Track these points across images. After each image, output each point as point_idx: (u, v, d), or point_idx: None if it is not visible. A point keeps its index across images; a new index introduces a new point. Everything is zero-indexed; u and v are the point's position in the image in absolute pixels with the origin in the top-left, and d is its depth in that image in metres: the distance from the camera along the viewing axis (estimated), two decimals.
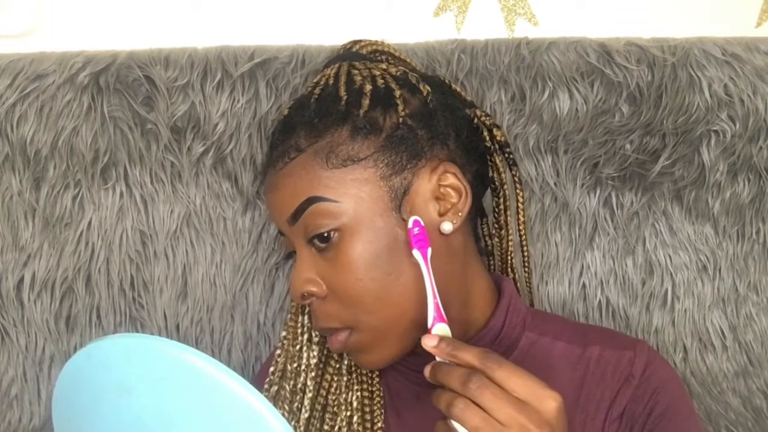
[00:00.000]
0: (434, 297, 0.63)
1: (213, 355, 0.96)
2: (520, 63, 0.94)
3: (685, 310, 0.98)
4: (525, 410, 0.54)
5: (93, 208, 0.94)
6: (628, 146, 0.95)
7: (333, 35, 0.94)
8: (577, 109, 0.94)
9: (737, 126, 0.94)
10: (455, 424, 0.56)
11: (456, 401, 0.55)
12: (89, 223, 0.94)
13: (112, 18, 1.00)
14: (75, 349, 0.93)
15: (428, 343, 0.60)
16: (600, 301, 0.98)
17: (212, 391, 0.51)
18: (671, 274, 0.98)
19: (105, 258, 0.94)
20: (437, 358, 0.60)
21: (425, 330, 0.63)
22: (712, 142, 0.95)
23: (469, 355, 0.58)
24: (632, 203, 0.97)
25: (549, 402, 0.55)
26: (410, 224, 0.66)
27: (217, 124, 0.92)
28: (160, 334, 0.96)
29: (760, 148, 0.95)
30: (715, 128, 0.94)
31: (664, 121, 0.94)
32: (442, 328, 0.62)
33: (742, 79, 0.94)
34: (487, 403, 0.54)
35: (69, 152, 0.92)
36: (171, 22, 1.00)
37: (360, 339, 0.69)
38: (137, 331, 0.96)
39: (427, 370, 0.60)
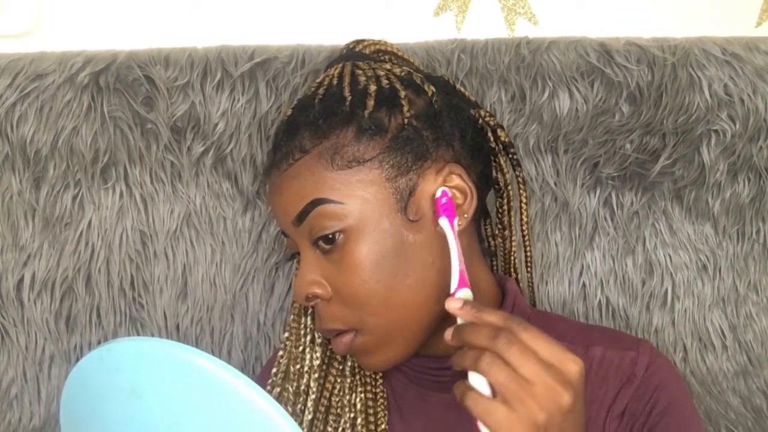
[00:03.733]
0: (460, 263, 0.64)
1: (213, 355, 0.96)
2: (520, 63, 0.94)
3: (685, 310, 0.98)
4: (550, 370, 0.54)
5: (93, 208, 0.94)
6: (628, 146, 0.95)
7: (333, 35, 0.94)
8: (577, 108, 0.94)
9: (737, 126, 0.94)
10: (475, 384, 0.56)
11: (484, 355, 0.55)
12: (89, 223, 0.94)
13: (112, 18, 1.00)
14: (75, 349, 0.94)
15: (453, 305, 0.60)
16: (600, 300, 0.98)
17: (222, 395, 0.51)
18: (671, 273, 0.98)
19: (105, 258, 0.94)
20: (458, 321, 0.60)
21: (430, 332, 0.63)
22: (712, 141, 0.95)
23: (494, 317, 0.58)
24: (632, 203, 0.97)
25: (572, 365, 0.55)
26: (438, 194, 0.67)
27: (217, 124, 0.92)
28: (160, 334, 0.96)
29: (761, 147, 0.95)
30: (715, 128, 0.94)
31: (664, 121, 0.94)
32: (465, 293, 0.63)
33: (742, 78, 0.94)
34: (514, 359, 0.54)
35: (69, 152, 0.92)
36: (171, 22, 1.00)
37: (365, 341, 0.69)
38: (137, 332, 0.96)
39: (448, 333, 0.60)
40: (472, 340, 0.57)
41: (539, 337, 0.56)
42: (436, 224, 0.68)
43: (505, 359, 0.54)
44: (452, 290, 0.63)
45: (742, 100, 0.94)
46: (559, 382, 0.54)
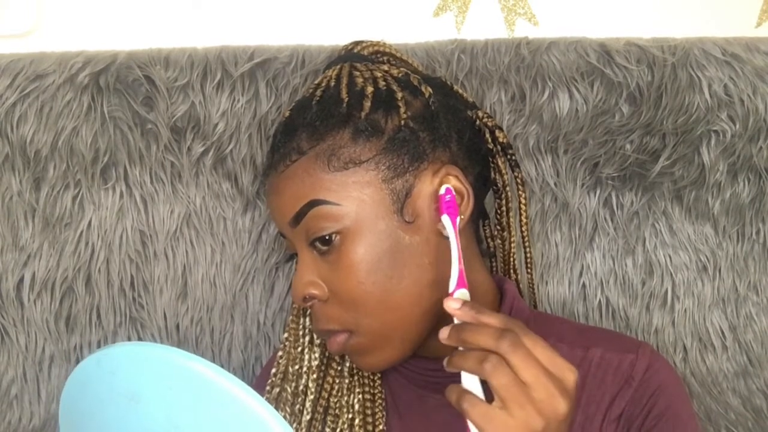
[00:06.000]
0: (459, 263, 0.64)
1: (213, 355, 0.96)
2: (520, 63, 0.94)
3: (685, 310, 0.98)
4: (550, 376, 0.54)
5: (93, 208, 0.94)
6: (628, 146, 0.95)
7: (333, 35, 0.94)
8: (577, 109, 0.94)
9: (737, 126, 0.94)
10: (469, 386, 0.56)
11: (491, 357, 0.54)
12: (89, 223, 0.94)
13: (112, 18, 1.00)
14: (75, 349, 0.94)
15: (451, 305, 0.60)
16: (600, 301, 0.98)
17: (220, 401, 0.51)
18: (671, 274, 0.98)
19: (105, 258, 0.94)
20: (455, 321, 0.60)
21: (427, 333, 0.63)
22: (712, 142, 0.95)
23: (494, 319, 0.57)
24: (632, 203, 0.97)
25: (569, 374, 0.56)
26: (443, 191, 0.67)
27: (217, 124, 0.92)
28: (160, 334, 0.96)
29: (760, 148, 0.95)
30: (715, 128, 0.94)
31: (664, 121, 0.94)
32: (462, 293, 0.63)
33: (742, 79, 0.94)
34: (517, 362, 0.54)
35: (69, 152, 0.92)
36: (171, 22, 1.00)
37: (359, 342, 0.69)
38: (137, 332, 0.96)
39: (444, 332, 0.59)
40: (474, 340, 0.57)
41: (539, 343, 0.56)
42: (437, 222, 0.68)
43: (508, 361, 0.54)
44: (450, 290, 0.63)
45: (742, 101, 0.94)
46: (558, 389, 0.54)
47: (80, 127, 0.92)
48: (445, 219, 0.66)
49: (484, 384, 0.56)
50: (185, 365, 0.52)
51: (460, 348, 0.58)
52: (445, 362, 0.59)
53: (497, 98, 0.94)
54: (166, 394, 0.54)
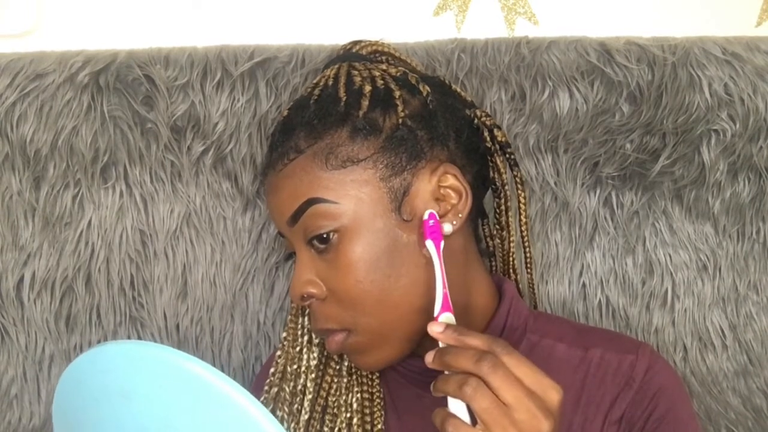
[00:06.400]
0: (444, 287, 0.64)
1: (213, 355, 0.96)
2: (520, 62, 0.94)
3: (685, 310, 0.98)
4: (532, 396, 0.54)
5: (93, 207, 0.94)
6: (628, 146, 0.95)
7: (333, 35, 0.94)
8: (577, 108, 0.94)
9: (737, 125, 0.94)
10: (454, 410, 0.56)
11: (470, 380, 0.54)
12: (89, 223, 0.94)
13: (112, 18, 1.00)
14: (75, 349, 0.94)
15: (435, 329, 0.60)
16: (600, 300, 0.98)
17: (212, 400, 0.51)
18: (671, 273, 0.98)
19: (105, 257, 0.94)
20: (440, 345, 0.60)
21: (424, 333, 0.63)
22: (713, 141, 0.95)
23: (477, 341, 0.57)
24: (632, 203, 0.97)
25: (553, 393, 0.55)
26: (426, 216, 0.67)
27: (217, 124, 0.92)
28: (160, 334, 0.96)
29: (761, 147, 0.95)
30: (715, 127, 0.94)
31: (664, 121, 0.94)
32: (447, 317, 0.63)
33: (742, 78, 0.94)
34: (498, 383, 0.54)
35: (69, 152, 0.92)
36: (171, 22, 1.00)
37: (358, 341, 0.69)
38: (137, 331, 0.96)
39: (429, 356, 0.60)
40: (454, 363, 0.57)
41: (522, 362, 0.56)
42: (422, 247, 0.68)
43: (489, 383, 0.54)
44: (435, 314, 0.63)
45: (742, 100, 0.94)
46: (540, 409, 0.54)
47: (80, 126, 0.92)
48: (429, 244, 0.66)
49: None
50: (178, 364, 0.52)
51: (446, 372, 0.59)
52: (431, 387, 0.59)
53: (497, 97, 0.94)
54: (159, 392, 0.54)
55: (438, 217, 0.67)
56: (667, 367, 0.74)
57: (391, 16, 1.02)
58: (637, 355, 0.72)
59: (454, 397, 0.56)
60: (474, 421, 0.55)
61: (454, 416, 0.56)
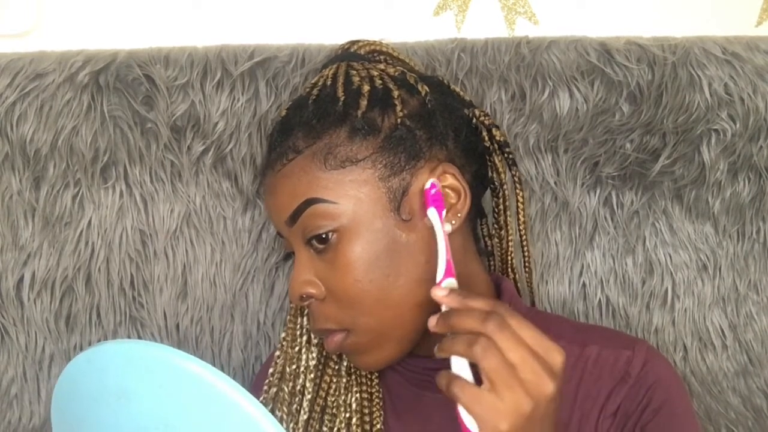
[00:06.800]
0: (447, 253, 0.64)
1: (213, 355, 0.96)
2: (520, 62, 0.94)
3: (685, 310, 0.98)
4: (536, 357, 0.55)
5: (93, 207, 0.94)
6: (628, 145, 0.95)
7: (333, 35, 0.94)
8: (577, 108, 0.94)
9: (737, 125, 0.94)
10: (458, 371, 0.56)
11: (480, 339, 0.54)
12: (89, 223, 0.94)
13: (112, 17, 1.01)
14: (75, 349, 0.94)
15: (438, 293, 0.60)
16: (600, 300, 0.98)
17: (210, 399, 0.51)
18: (671, 273, 0.98)
19: (105, 257, 0.94)
20: (443, 309, 0.60)
21: (423, 332, 0.63)
22: (713, 141, 0.95)
23: (481, 303, 0.58)
24: (632, 202, 0.97)
25: (556, 355, 0.56)
26: (428, 185, 0.67)
27: (217, 123, 0.92)
28: (159, 334, 0.96)
29: (761, 147, 0.95)
30: (715, 127, 0.94)
31: (665, 120, 0.94)
32: (450, 282, 0.63)
33: (742, 78, 0.94)
34: (504, 343, 0.54)
35: (69, 151, 0.92)
36: (171, 22, 1.00)
37: (356, 341, 0.69)
38: (137, 331, 0.96)
39: (433, 320, 0.59)
40: (461, 324, 0.57)
41: (525, 324, 0.56)
42: (424, 216, 0.68)
43: (495, 342, 0.54)
44: (438, 279, 0.63)
45: (743, 100, 0.94)
46: (545, 369, 0.54)
47: (80, 126, 0.92)
48: (431, 212, 0.66)
49: (473, 369, 0.56)
50: (178, 364, 0.52)
51: (450, 335, 0.59)
52: (435, 349, 0.59)
53: (497, 97, 0.94)
54: (158, 392, 0.54)
55: (439, 188, 0.68)
56: (664, 362, 0.74)
57: (391, 16, 1.02)
58: (633, 350, 0.72)
59: (464, 356, 0.56)
60: (477, 384, 0.56)
61: (459, 377, 0.56)
